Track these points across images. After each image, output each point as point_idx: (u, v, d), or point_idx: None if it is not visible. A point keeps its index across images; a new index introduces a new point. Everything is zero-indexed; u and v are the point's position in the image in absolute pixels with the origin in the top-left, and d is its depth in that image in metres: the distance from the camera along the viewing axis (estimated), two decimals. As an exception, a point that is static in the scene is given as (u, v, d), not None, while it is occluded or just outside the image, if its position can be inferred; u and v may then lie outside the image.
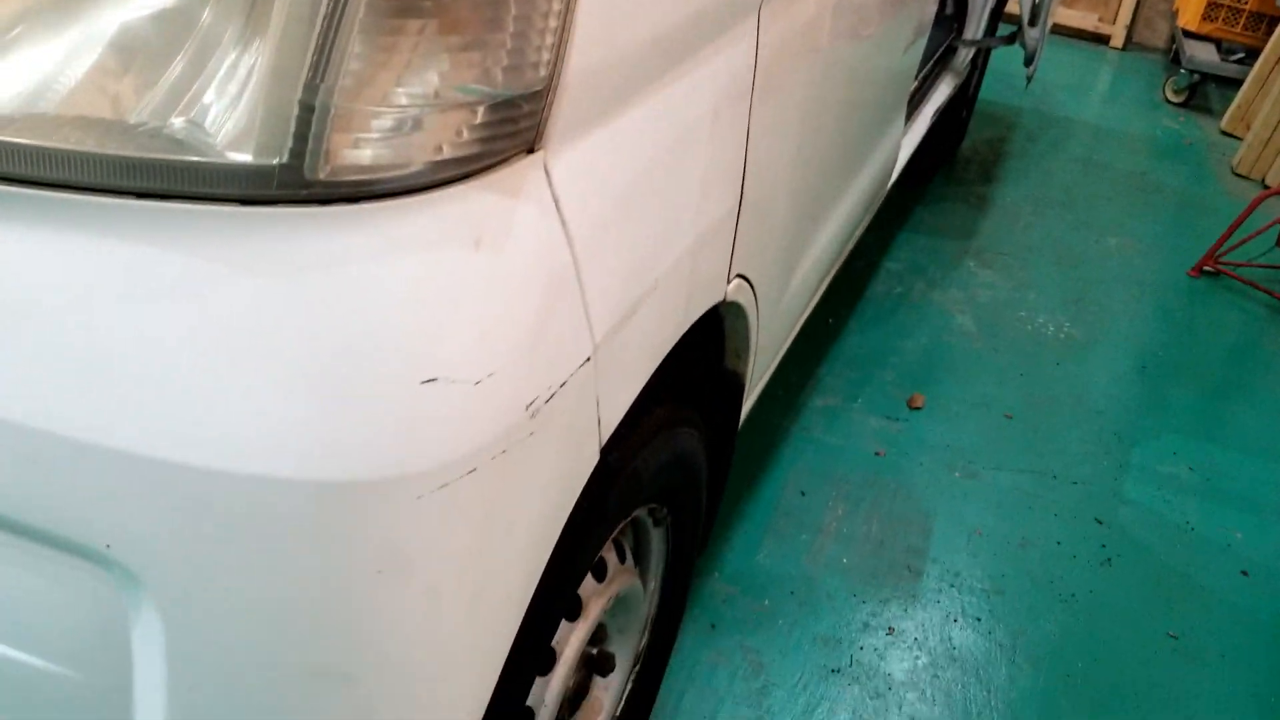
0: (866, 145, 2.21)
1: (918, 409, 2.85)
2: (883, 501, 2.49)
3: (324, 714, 0.87)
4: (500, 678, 1.02)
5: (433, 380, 0.80)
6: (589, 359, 0.97)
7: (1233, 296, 3.74)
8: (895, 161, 2.67)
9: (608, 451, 1.14)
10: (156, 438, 0.79)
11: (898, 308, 3.34)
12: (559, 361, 0.92)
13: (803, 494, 2.48)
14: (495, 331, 0.84)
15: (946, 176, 4.37)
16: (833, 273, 2.34)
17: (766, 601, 2.17)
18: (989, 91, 5.24)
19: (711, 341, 1.61)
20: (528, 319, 0.87)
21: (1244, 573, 2.45)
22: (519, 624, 1.00)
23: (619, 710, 1.62)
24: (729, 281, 1.37)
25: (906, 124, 2.92)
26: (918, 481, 2.58)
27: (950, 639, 2.15)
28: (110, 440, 0.79)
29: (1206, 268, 3.85)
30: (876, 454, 2.66)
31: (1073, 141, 5.01)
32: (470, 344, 0.83)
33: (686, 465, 1.48)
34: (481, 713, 0.99)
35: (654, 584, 1.62)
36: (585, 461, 1.05)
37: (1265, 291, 3.75)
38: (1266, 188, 4.53)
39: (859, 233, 2.54)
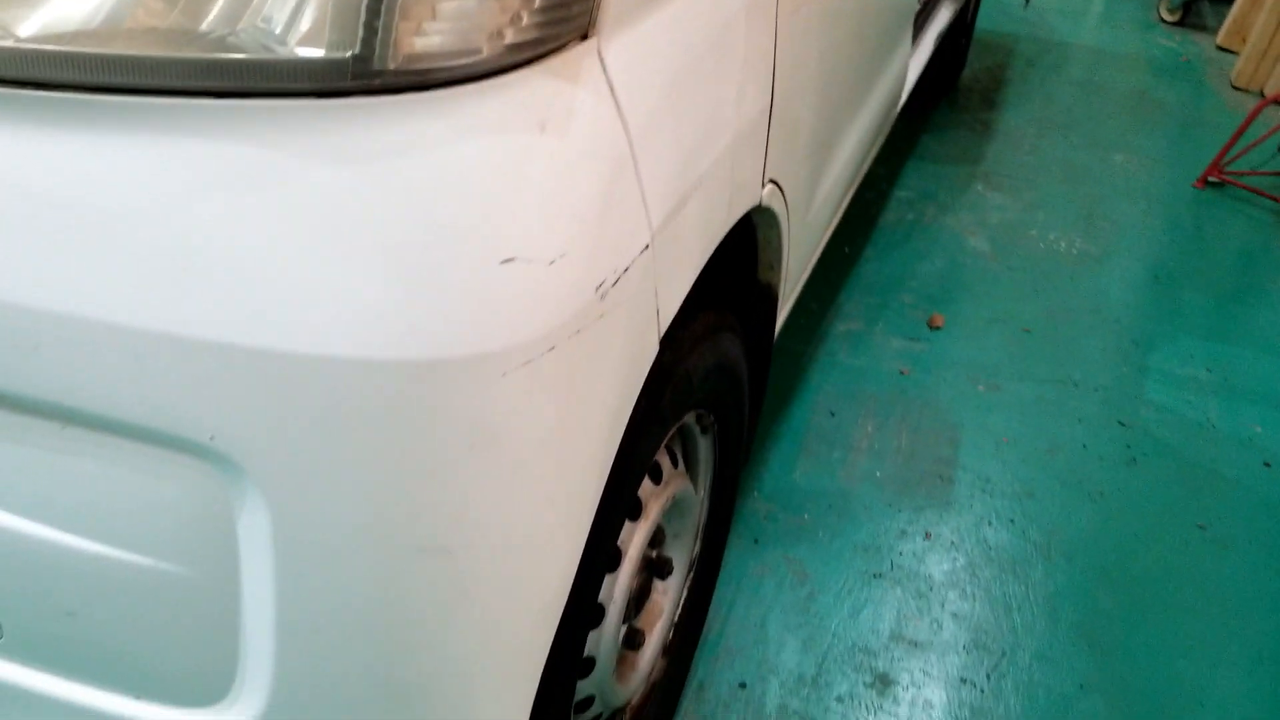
0: (879, 62, 2.23)
1: (938, 328, 2.89)
2: (910, 417, 2.54)
3: (426, 589, 0.92)
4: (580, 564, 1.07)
5: (511, 260, 0.85)
6: (648, 246, 1.01)
7: (1238, 205, 3.77)
8: (904, 82, 2.70)
9: (663, 349, 1.18)
10: (252, 327, 0.83)
11: (911, 233, 3.38)
12: (622, 246, 0.96)
13: (832, 414, 2.53)
14: (564, 214, 0.89)
15: (950, 104, 4.39)
16: (853, 189, 2.37)
17: (806, 516, 2.22)
18: (986, 20, 5.25)
19: (745, 255, 1.65)
20: (593, 203, 0.91)
21: (1266, 464, 2.50)
22: (596, 505, 1.05)
23: (677, 615, 1.68)
24: (763, 186, 1.41)
25: (912, 46, 2.94)
26: (943, 396, 2.63)
27: (985, 540, 2.20)
28: (209, 333, 0.83)
29: (1211, 178, 3.87)
30: (901, 373, 2.70)
31: (1071, 64, 5.02)
32: (542, 225, 0.87)
33: (730, 372, 1.52)
34: (566, 592, 1.04)
35: (703, 492, 1.67)
36: (647, 351, 1.09)
37: (1270, 198, 3.78)
38: (1265, 97, 4.54)
39: (874, 153, 2.57)
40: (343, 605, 0.93)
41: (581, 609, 1.20)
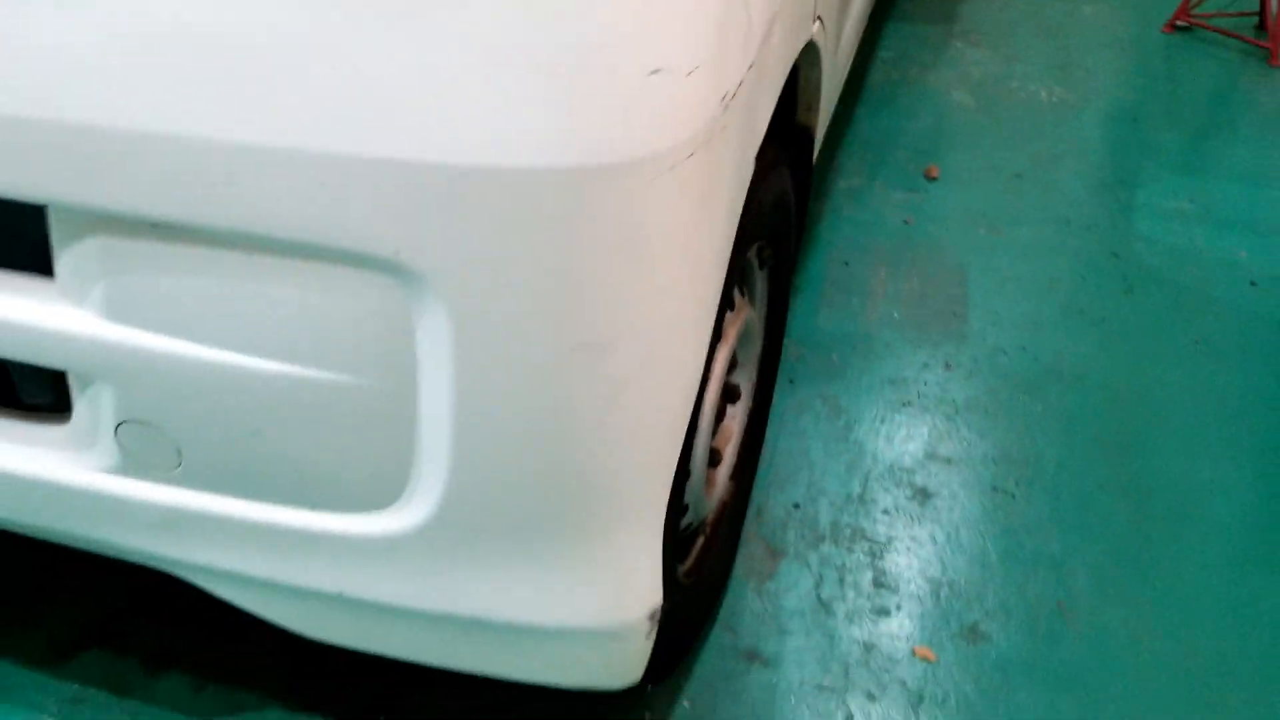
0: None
1: (934, 179, 3.01)
2: (919, 262, 2.67)
3: (586, 383, 1.04)
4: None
5: (658, 71, 0.95)
6: (753, 64, 1.11)
7: (1206, 46, 3.89)
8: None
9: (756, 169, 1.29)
10: (428, 144, 0.93)
11: (898, 92, 3.48)
12: (737, 61, 1.06)
13: (846, 264, 2.66)
14: (698, 29, 0.99)
15: (919, -32, 4.45)
16: (860, 35, 2.46)
17: (834, 356, 2.36)
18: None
19: (787, 98, 1.75)
20: (718, 20, 1.01)
21: (1252, 283, 2.66)
22: (716, 310, 1.17)
23: (740, 442, 1.81)
24: (814, 21, 1.51)
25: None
26: (947, 241, 2.76)
27: (1000, 367, 2.36)
28: (389, 152, 0.93)
29: (1179, 22, 3.98)
30: (905, 222, 2.82)
31: (1033, -79, 5.07)
32: (681, 38, 0.97)
33: (784, 206, 1.64)
34: (696, 387, 1.17)
35: (760, 327, 1.80)
36: (748, 167, 1.20)
37: (1236, 37, 3.90)
38: (1226, -58, 4.62)
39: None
40: (511, 404, 1.04)
41: (691, 429, 1.32)
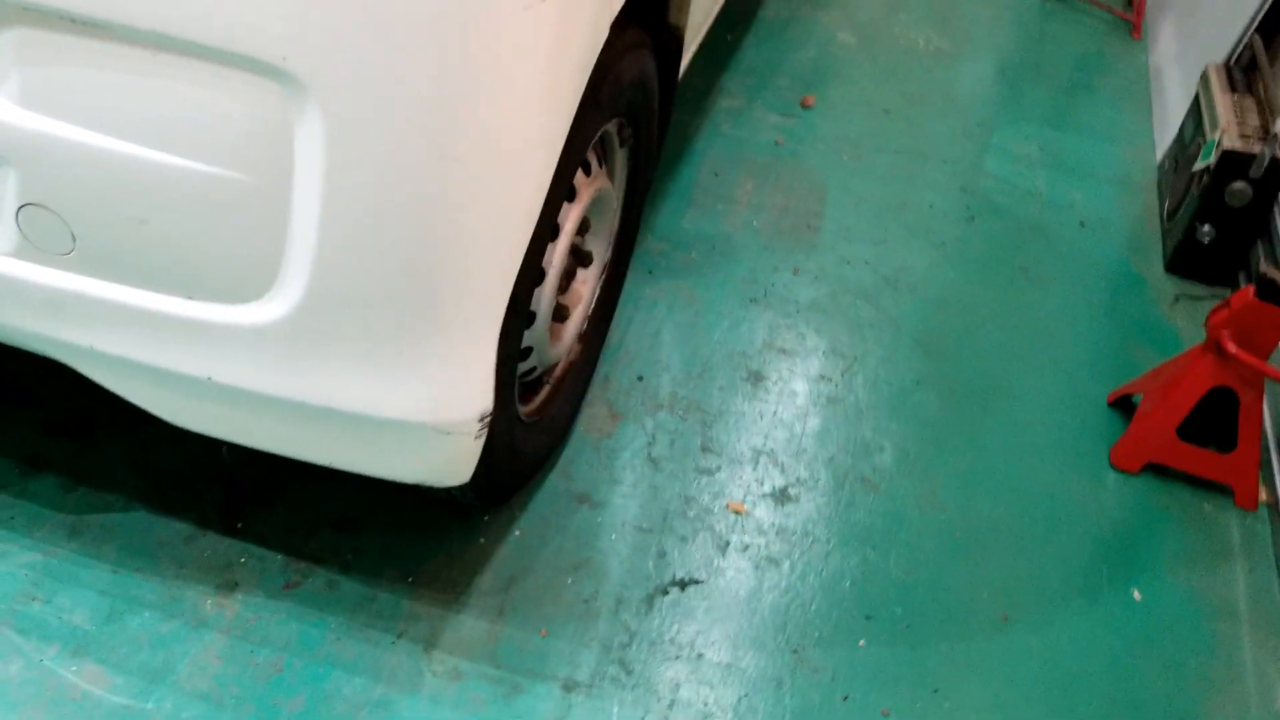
0: None
1: (809, 108, 3.21)
2: (784, 178, 2.88)
3: (442, 189, 1.20)
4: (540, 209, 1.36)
5: (517, -76, 1.11)
6: (607, -63, 1.28)
7: (1078, 15, 4.16)
8: None
9: (607, 42, 1.46)
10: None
11: (787, 26, 3.66)
12: (592, -69, 1.23)
13: (716, 175, 2.85)
14: (555, -106, 1.15)
15: (824, -88, 4.62)
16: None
17: (693, 254, 2.56)
18: None
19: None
20: (574, -111, 1.18)
21: (1082, 224, 2.93)
22: (564, 138, 1.34)
23: (590, 308, 2.00)
24: (680, -79, 1.67)
25: None
26: (813, 163, 2.97)
27: (844, 275, 2.58)
28: (283, -27, 1.08)
29: (1057, -11, 4.24)
30: (776, 143, 3.02)
31: (938, -119, 5.28)
32: (540, -100, 1.13)
33: (646, 89, 1.81)
34: (540, 207, 1.34)
35: (617, 203, 1.98)
36: (601, 29, 1.37)
37: (1106, 9, 4.17)
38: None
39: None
40: (371, 206, 1.21)
41: (533, 264, 1.50)
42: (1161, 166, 3.18)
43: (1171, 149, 3.11)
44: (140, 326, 1.34)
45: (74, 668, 1.56)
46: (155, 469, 1.84)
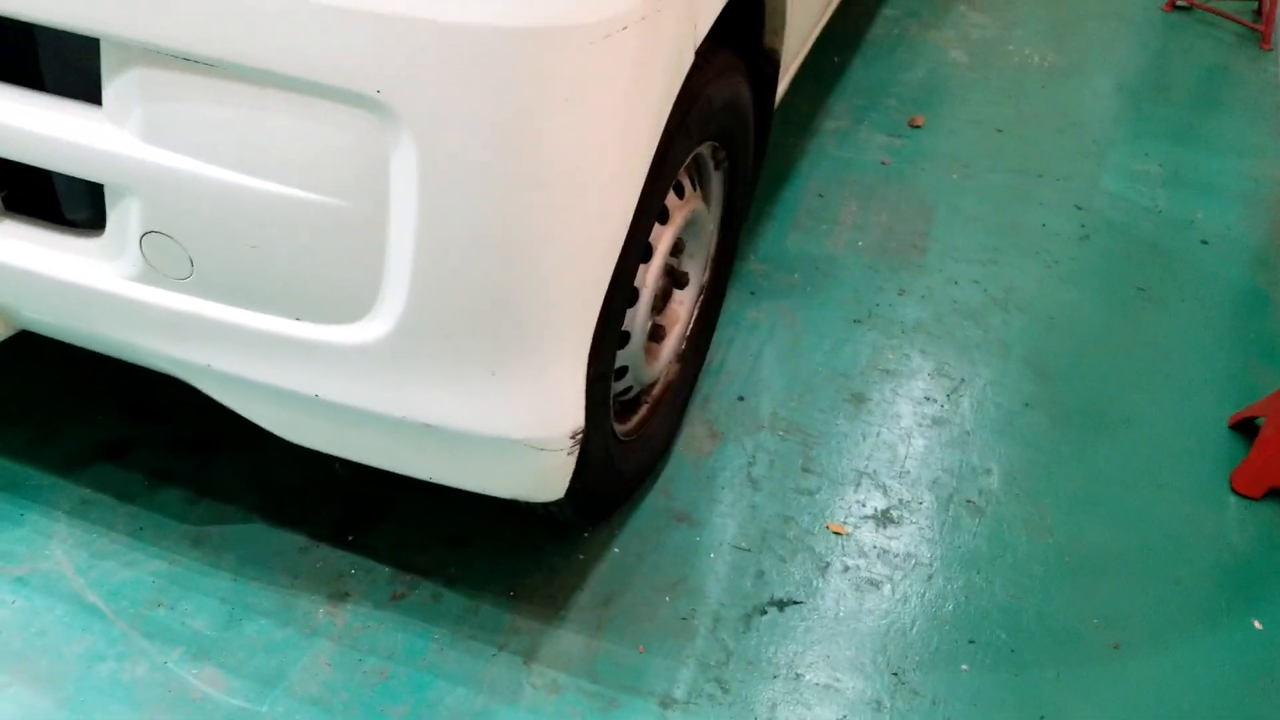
0: None
1: (918, 127, 3.19)
2: (890, 199, 2.87)
3: (528, 213, 1.24)
4: (628, 232, 1.40)
5: (600, -44, 1.15)
6: (691, -34, 1.31)
7: (1203, 27, 4.04)
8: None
9: (693, 71, 1.49)
10: (417, 2, 1.13)
11: (897, 47, 3.65)
12: (674, -40, 1.26)
13: (821, 196, 2.85)
14: (637, -75, 1.18)
15: (937, -68, 4.59)
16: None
17: (796, 275, 2.57)
18: None
19: (755, 24, 1.94)
20: (656, -81, 1.21)
21: (1204, 241, 2.84)
22: (648, 168, 1.37)
23: (689, 329, 2.02)
24: (774, -53, 1.70)
25: None
26: (920, 183, 2.95)
27: (951, 295, 2.55)
28: (380, 6, 1.14)
29: (1179, 2, 4.13)
30: (883, 163, 3.01)
31: (1057, -103, 5.19)
32: (621, -68, 1.17)
33: (740, 113, 1.83)
34: (625, 232, 1.37)
35: (714, 225, 2.00)
36: (685, 56, 1.40)
37: (1232, 19, 4.05)
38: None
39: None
40: (463, 229, 1.26)
41: (625, 285, 1.53)
42: (1291, 181, 3.07)
43: (1301, 162, 3.00)
44: (252, 346, 1.42)
45: (195, 671, 1.64)
46: (273, 484, 1.93)
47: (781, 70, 2.08)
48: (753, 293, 2.49)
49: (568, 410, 1.42)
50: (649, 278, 1.69)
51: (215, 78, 1.22)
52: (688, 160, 1.68)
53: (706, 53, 1.59)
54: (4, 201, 1.47)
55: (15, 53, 1.32)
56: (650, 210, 1.54)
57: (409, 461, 1.50)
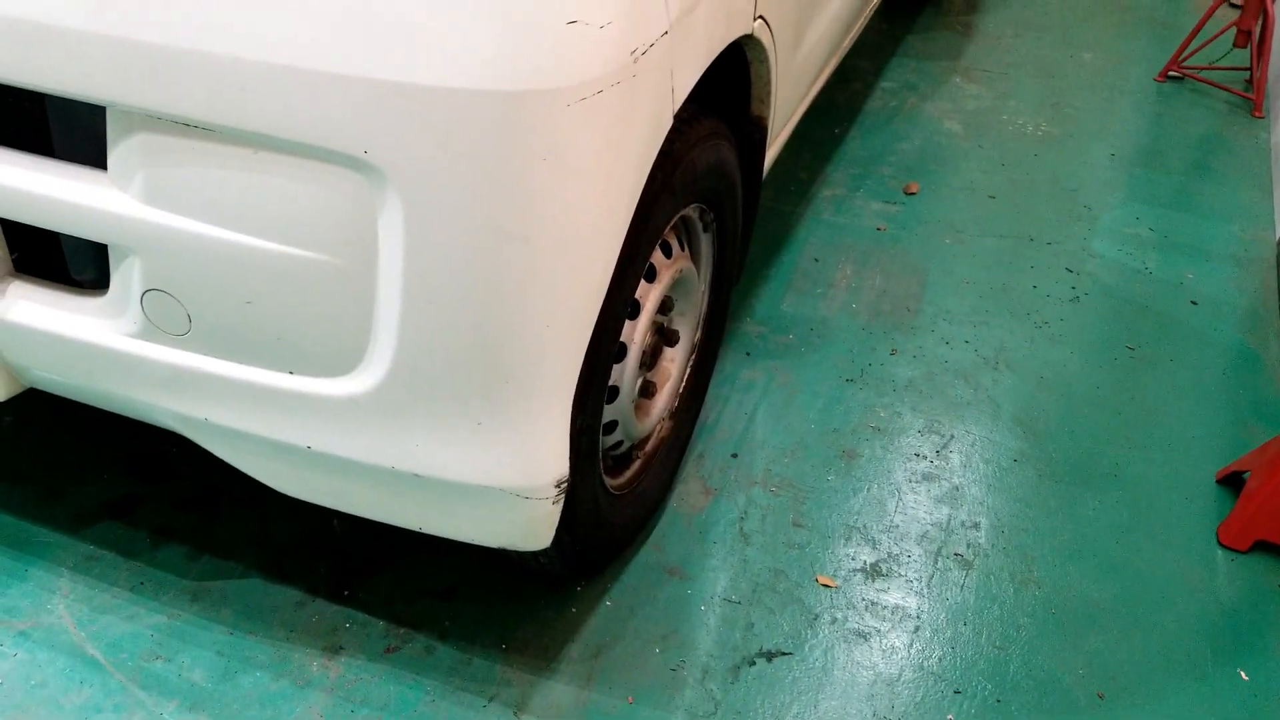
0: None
1: (913, 194, 3.26)
2: (884, 263, 2.92)
3: (508, 267, 1.30)
4: (611, 281, 1.45)
5: (574, 22, 1.22)
6: (666, 32, 1.38)
7: (1195, 96, 4.12)
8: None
9: (674, 135, 1.56)
10: (398, 67, 1.20)
11: (893, 118, 3.74)
12: (649, 26, 1.33)
13: (816, 260, 2.91)
14: (610, -5, 1.26)
15: (934, 9, 4.71)
16: (838, 55, 2.73)
17: (791, 336, 2.62)
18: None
19: (742, 91, 2.01)
20: (630, -10, 1.29)
21: (1193, 302, 2.89)
22: (629, 222, 1.43)
23: (682, 386, 2.07)
24: (755, 19, 1.77)
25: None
26: (914, 248, 3.01)
27: (942, 355, 2.60)
28: (367, 72, 1.21)
29: (1172, 72, 4.21)
30: (878, 229, 3.08)
31: (1052, -27, 5.32)
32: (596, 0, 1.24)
33: (726, 176, 1.90)
34: (606, 285, 1.43)
35: (704, 285, 2.06)
36: (663, 119, 1.47)
37: (1223, 89, 4.13)
38: (1231, 2, 4.85)
39: (856, 31, 2.92)
40: (448, 283, 1.31)
41: (609, 339, 1.58)
42: (1280, 243, 3.11)
43: (1290, 225, 3.04)
44: (247, 399, 1.47)
45: (189, 722, 1.68)
46: (272, 540, 1.97)
47: (769, 137, 2.15)
48: (748, 353, 2.54)
49: (552, 459, 1.46)
50: (636, 334, 1.74)
51: (213, 141, 1.29)
52: (673, 221, 1.74)
53: (691, 118, 1.66)
54: (15, 263, 1.54)
55: (27, 120, 1.39)
56: (635, 267, 1.59)
57: (399, 512, 1.54)
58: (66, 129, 1.39)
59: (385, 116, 1.22)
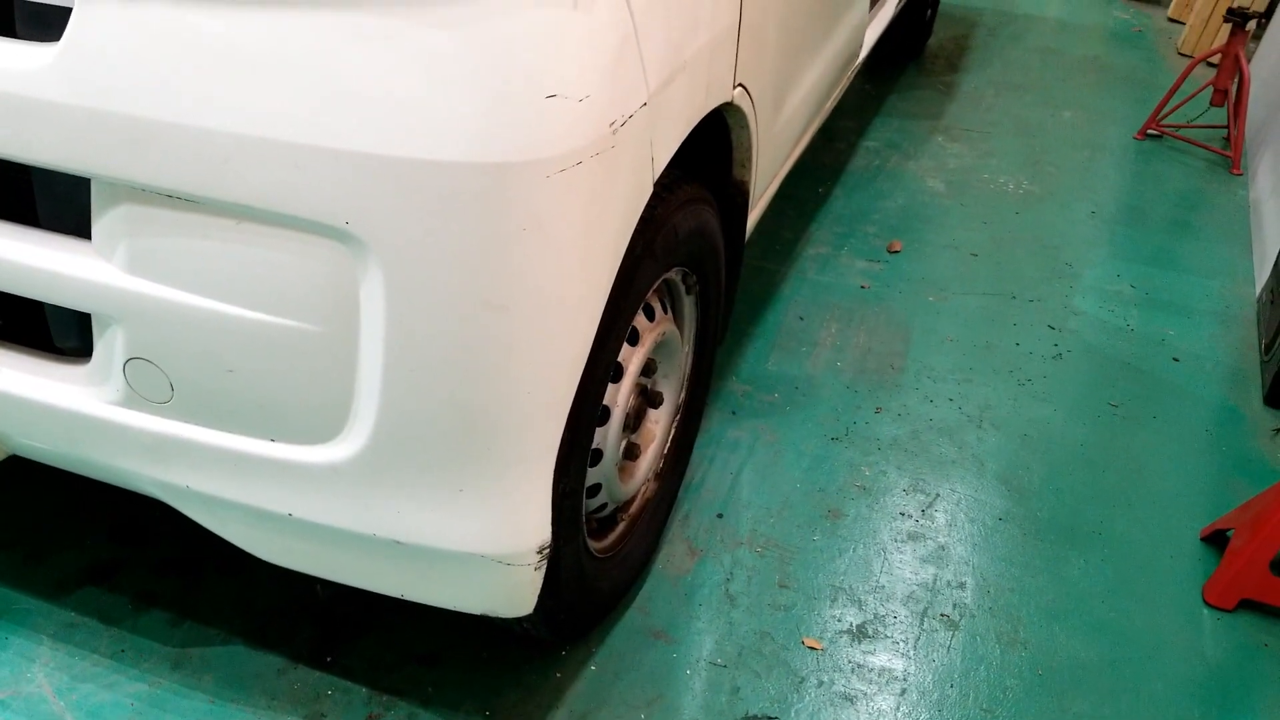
0: (837, 16, 2.63)
1: (896, 252, 3.29)
2: (868, 321, 2.94)
3: (489, 336, 1.31)
4: (592, 347, 1.46)
5: (553, 96, 1.24)
6: (645, 104, 1.40)
7: (1174, 154, 4.18)
8: (862, 35, 3.09)
9: (655, 201, 1.58)
10: (379, 140, 1.22)
11: (877, 176, 3.78)
12: (628, 98, 1.36)
13: (801, 319, 2.93)
14: (589, 67, 1.28)
15: (916, 69, 4.78)
16: (819, 119, 2.77)
17: (776, 395, 2.63)
18: (951, -8, 5.64)
19: (723, 156, 2.04)
20: (608, 62, 1.31)
21: (1175, 359, 2.91)
22: (608, 292, 1.45)
23: (666, 447, 2.07)
24: (734, 87, 1.80)
25: (874, 7, 3.34)
26: (897, 306, 3.03)
27: (927, 414, 2.61)
28: (349, 145, 1.22)
29: (1150, 130, 4.28)
30: (862, 287, 3.10)
31: (1031, 34, 5.42)
32: (574, 73, 1.26)
33: (709, 240, 1.92)
34: (586, 353, 1.44)
35: (688, 347, 2.07)
36: (643, 187, 1.48)
37: (1202, 146, 4.19)
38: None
39: (838, 94, 2.96)
40: (429, 351, 1.32)
41: (591, 404, 1.58)
42: (1260, 300, 3.14)
43: (1269, 281, 3.07)
44: (228, 467, 1.47)
45: (168, 794, 1.65)
46: (254, 605, 1.96)
47: (752, 200, 2.18)
48: (734, 412, 2.55)
49: (534, 525, 1.46)
50: (620, 397, 1.75)
51: (196, 212, 1.30)
52: (655, 285, 1.76)
53: (672, 183, 1.68)
54: (-1, 331, 1.55)
55: (12, 190, 1.40)
56: (617, 331, 1.60)
57: (380, 578, 1.53)
58: (51, 199, 1.40)
59: (366, 188, 1.24)
